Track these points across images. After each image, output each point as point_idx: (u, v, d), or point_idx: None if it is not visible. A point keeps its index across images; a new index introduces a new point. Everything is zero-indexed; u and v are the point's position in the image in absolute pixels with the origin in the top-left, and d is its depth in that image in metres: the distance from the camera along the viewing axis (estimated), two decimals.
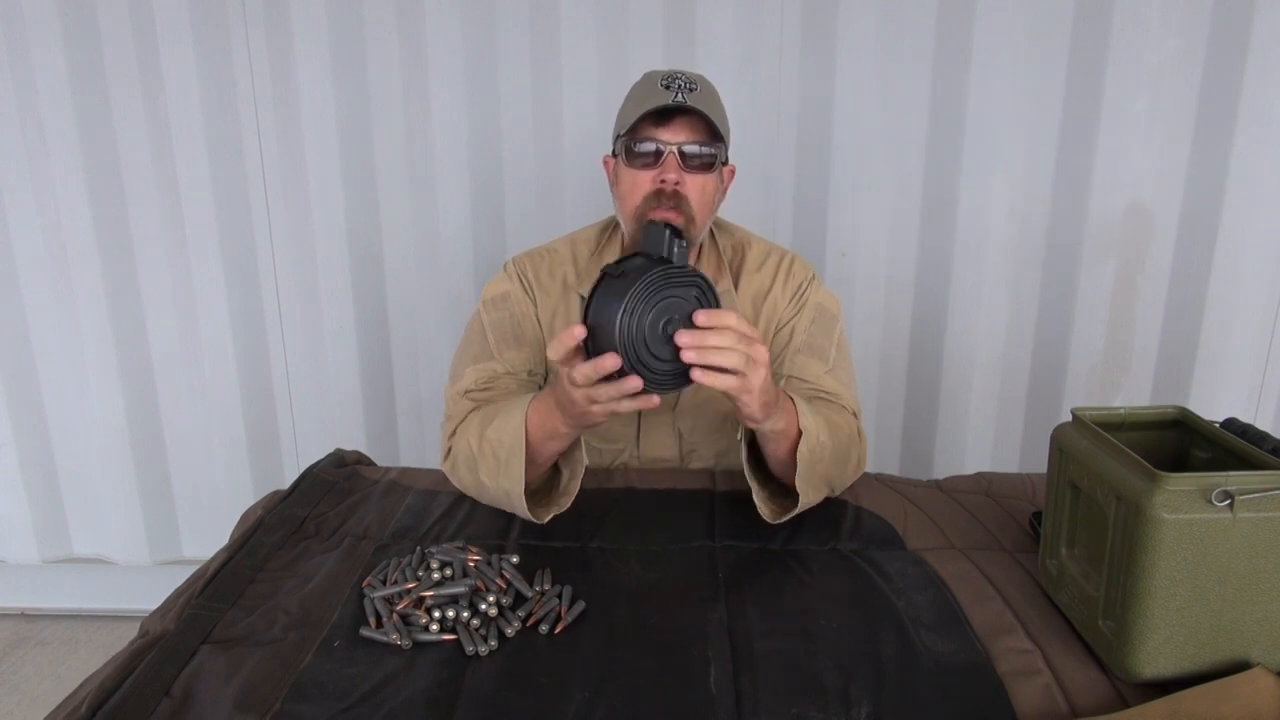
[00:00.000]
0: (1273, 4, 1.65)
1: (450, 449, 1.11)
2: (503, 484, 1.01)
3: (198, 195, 1.92)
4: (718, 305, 0.85)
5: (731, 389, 0.86)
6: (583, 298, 1.20)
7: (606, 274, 0.85)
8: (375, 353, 2.02)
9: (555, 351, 0.86)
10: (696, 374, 0.83)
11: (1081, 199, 1.80)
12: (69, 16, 1.82)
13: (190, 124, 1.87)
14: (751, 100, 1.79)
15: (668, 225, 0.85)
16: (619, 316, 0.80)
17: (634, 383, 0.82)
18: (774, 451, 1.02)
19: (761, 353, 0.86)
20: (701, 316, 0.83)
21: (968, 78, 1.76)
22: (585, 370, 0.83)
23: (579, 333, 0.83)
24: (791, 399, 1.01)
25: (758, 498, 1.02)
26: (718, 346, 0.83)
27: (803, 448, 0.98)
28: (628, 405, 0.86)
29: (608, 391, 0.84)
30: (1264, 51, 1.67)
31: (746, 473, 1.03)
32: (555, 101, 1.83)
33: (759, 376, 0.87)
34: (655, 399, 0.85)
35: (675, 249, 0.84)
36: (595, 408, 0.87)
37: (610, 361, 0.82)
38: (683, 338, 0.82)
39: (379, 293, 1.98)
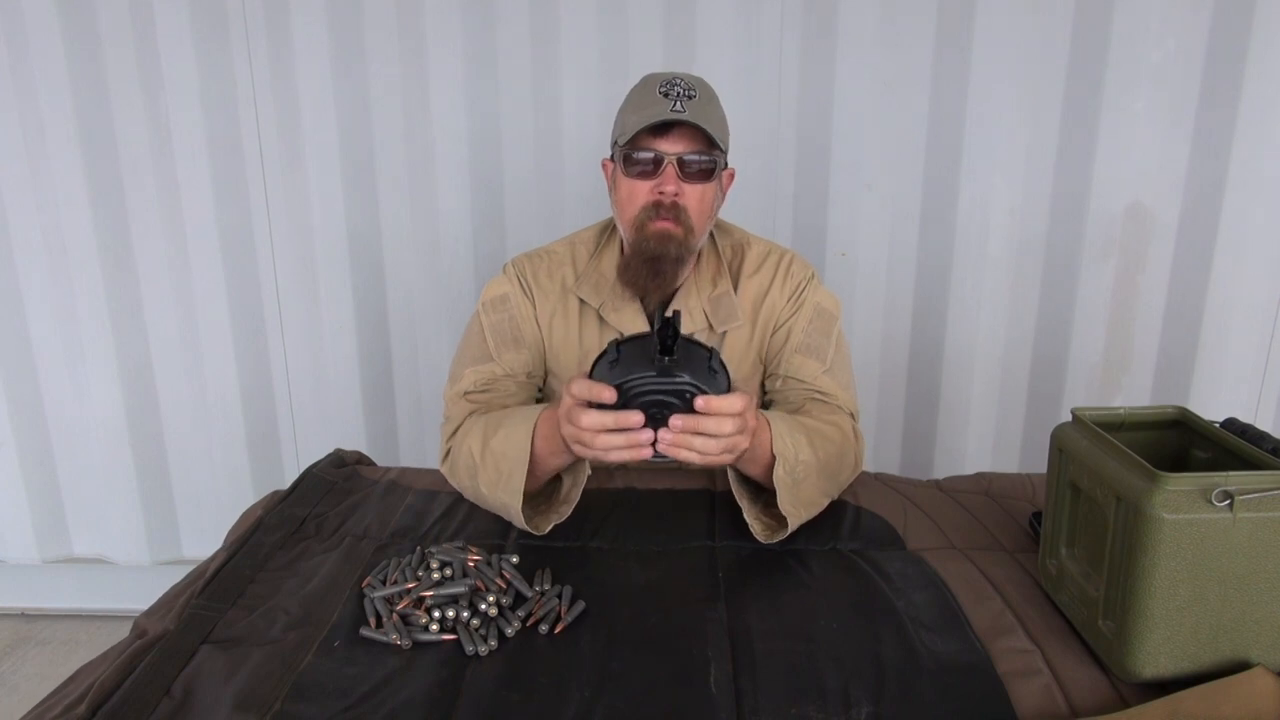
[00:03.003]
0: (1273, 4, 1.65)
1: (449, 450, 1.11)
2: (501, 497, 1.01)
3: (198, 195, 1.91)
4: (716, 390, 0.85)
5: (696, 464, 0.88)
6: (581, 301, 1.20)
7: (605, 354, 0.86)
8: (375, 353, 2.02)
9: (579, 389, 0.85)
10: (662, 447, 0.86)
11: (1081, 199, 1.80)
12: (69, 17, 1.82)
13: (190, 124, 1.87)
14: (751, 100, 1.79)
15: (674, 318, 0.84)
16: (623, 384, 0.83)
17: (647, 435, 0.84)
18: (747, 470, 1.01)
19: (742, 441, 0.88)
20: (678, 421, 0.84)
21: (968, 77, 1.76)
22: (596, 419, 0.84)
23: (609, 397, 0.83)
24: (769, 422, 0.98)
25: (749, 515, 1.00)
26: (701, 441, 0.85)
27: (779, 470, 0.96)
28: (617, 455, 0.86)
29: (608, 440, 0.85)
30: (1264, 51, 1.67)
31: (734, 488, 1.02)
32: (555, 102, 1.83)
33: (731, 457, 0.89)
34: (647, 451, 0.85)
35: (673, 354, 0.82)
36: (577, 447, 0.88)
37: (618, 412, 0.83)
38: (665, 435, 0.84)
39: (379, 293, 1.98)
